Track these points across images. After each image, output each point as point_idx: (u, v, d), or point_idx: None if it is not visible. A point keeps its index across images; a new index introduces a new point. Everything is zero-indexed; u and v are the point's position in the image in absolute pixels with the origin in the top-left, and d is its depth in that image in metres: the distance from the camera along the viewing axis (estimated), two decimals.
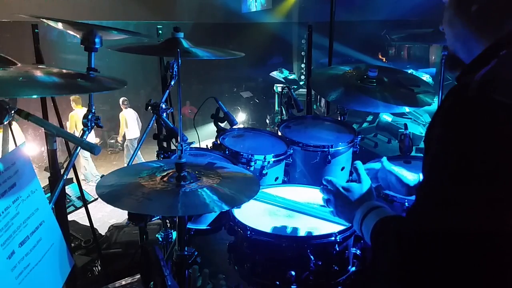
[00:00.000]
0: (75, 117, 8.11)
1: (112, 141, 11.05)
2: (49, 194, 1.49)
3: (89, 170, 8.66)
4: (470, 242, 0.81)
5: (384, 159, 1.70)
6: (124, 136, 9.31)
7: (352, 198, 1.34)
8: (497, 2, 0.95)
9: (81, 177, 7.60)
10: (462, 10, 1.00)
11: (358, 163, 1.48)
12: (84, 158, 8.49)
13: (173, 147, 2.09)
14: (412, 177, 1.60)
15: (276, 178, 2.20)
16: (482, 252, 0.81)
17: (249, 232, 1.55)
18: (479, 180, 0.80)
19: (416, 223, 0.89)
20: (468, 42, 1.01)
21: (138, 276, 2.15)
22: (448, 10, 1.04)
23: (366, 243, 1.47)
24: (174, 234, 1.87)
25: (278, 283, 1.52)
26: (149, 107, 2.07)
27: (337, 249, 1.53)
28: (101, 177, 1.47)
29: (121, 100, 9.14)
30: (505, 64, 0.88)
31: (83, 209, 2.78)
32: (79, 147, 1.52)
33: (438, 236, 0.83)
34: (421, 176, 1.55)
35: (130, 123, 9.15)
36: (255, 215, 1.68)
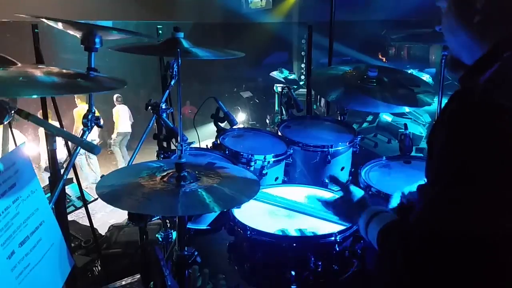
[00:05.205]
0: (80, 111, 7.87)
1: (112, 141, 11.02)
2: (49, 194, 1.49)
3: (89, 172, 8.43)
4: (477, 244, 0.81)
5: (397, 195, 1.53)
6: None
7: (348, 207, 1.33)
8: (499, 11, 0.94)
9: (85, 184, 7.48)
10: (465, 21, 0.98)
11: (330, 177, 1.47)
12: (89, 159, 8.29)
13: (173, 147, 2.09)
14: None
15: (276, 178, 2.20)
16: (491, 254, 0.81)
17: (249, 232, 1.55)
18: (485, 183, 0.80)
19: (423, 226, 0.88)
20: (471, 47, 1.00)
21: (138, 276, 2.15)
22: (448, 18, 1.03)
23: (366, 243, 1.48)
24: (174, 234, 1.86)
25: (278, 283, 1.52)
26: (149, 107, 2.07)
27: (337, 249, 1.53)
28: (101, 177, 1.47)
29: (115, 96, 9.08)
30: (509, 67, 0.88)
31: (83, 209, 2.78)
32: (79, 147, 1.52)
33: (445, 239, 0.83)
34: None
35: (122, 118, 9.12)
36: (255, 215, 1.69)
